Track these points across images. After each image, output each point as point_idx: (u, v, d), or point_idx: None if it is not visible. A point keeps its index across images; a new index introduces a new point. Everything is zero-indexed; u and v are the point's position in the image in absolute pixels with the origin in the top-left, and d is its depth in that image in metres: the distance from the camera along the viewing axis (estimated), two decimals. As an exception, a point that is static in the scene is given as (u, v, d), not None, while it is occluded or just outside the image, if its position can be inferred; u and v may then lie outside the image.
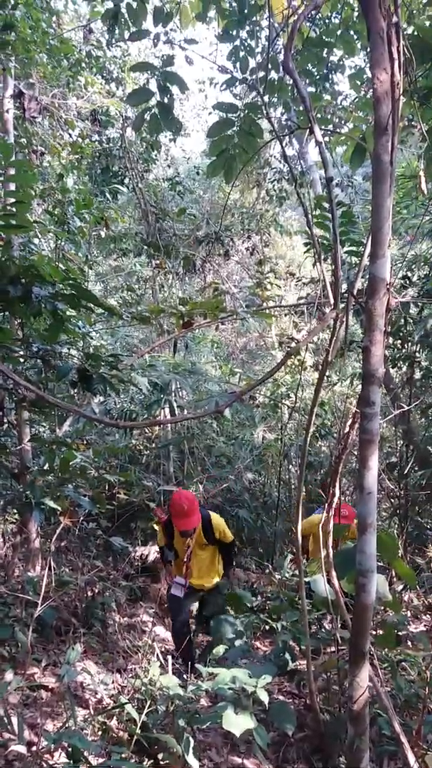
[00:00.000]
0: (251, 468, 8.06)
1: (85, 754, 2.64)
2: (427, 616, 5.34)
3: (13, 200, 3.10)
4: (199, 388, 7.73)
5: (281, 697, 3.90)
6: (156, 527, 6.54)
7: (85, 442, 6.70)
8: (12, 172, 4.26)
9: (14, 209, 3.04)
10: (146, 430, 8.17)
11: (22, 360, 3.85)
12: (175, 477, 7.68)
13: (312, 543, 4.63)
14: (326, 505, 2.96)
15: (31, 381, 3.74)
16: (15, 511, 5.50)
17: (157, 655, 4.29)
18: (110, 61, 8.47)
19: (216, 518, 4.40)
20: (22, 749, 2.85)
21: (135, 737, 2.86)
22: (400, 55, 2.16)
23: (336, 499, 2.88)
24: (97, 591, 5.09)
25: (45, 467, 4.25)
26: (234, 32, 3.91)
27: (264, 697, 2.83)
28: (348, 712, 2.13)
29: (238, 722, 2.78)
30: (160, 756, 2.98)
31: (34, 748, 2.88)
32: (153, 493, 7.00)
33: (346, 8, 4.09)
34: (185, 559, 4.33)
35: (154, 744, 3.01)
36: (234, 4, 3.91)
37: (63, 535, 5.78)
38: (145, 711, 3.00)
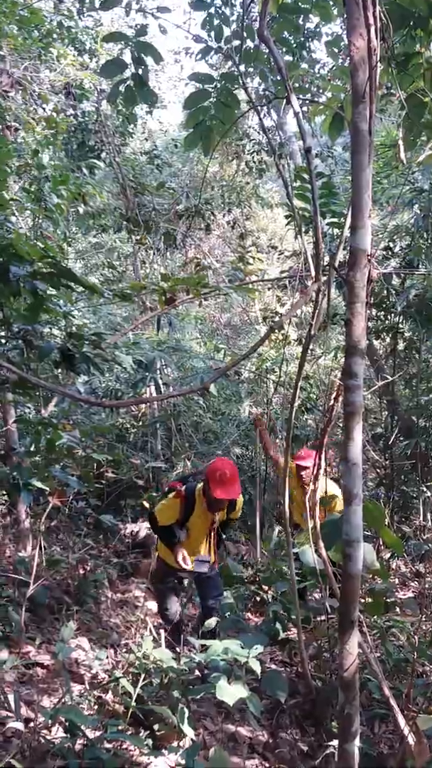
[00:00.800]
0: (238, 443, 8.10)
1: (82, 727, 2.68)
2: (415, 582, 5.45)
3: (-13, 178, 3.04)
4: (184, 365, 7.72)
5: (273, 666, 3.98)
6: (146, 504, 6.57)
7: (71, 422, 6.68)
8: (-15, 149, 4.16)
9: (-11, 188, 2.97)
10: (132, 409, 8.16)
11: (3, 341, 3.81)
12: (162, 454, 7.70)
13: (295, 510, 4.59)
14: (313, 477, 2.98)
15: (13, 362, 3.69)
16: (3, 492, 5.50)
17: (150, 629, 4.35)
18: (82, 32, 8.25)
19: None
20: (19, 725, 2.89)
21: (130, 710, 2.90)
22: (377, 20, 2.12)
23: (317, 469, 2.90)
24: (88, 568, 5.13)
25: (31, 448, 4.23)
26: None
27: (256, 667, 2.88)
28: (339, 679, 2.18)
29: (231, 692, 2.83)
30: (155, 727, 3.03)
31: (31, 724, 2.92)
32: (141, 471, 7.02)
33: (322, -28, 4.00)
34: (208, 535, 4.02)
35: (150, 716, 3.06)
36: (207, -31, 3.81)
37: (53, 515, 5.80)
38: (140, 684, 3.04)
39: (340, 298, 7.33)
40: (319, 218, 2.41)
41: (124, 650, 4.04)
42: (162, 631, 3.67)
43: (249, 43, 3.59)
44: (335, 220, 4.87)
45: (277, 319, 8.10)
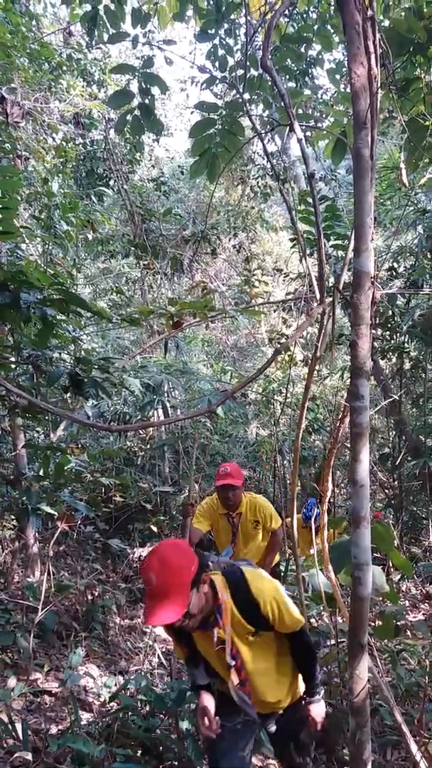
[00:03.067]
0: (246, 465, 8.08)
1: (90, 757, 2.65)
2: (425, 605, 5.37)
3: (-2, 207, 3.09)
4: (192, 388, 7.74)
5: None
6: (154, 528, 6.55)
7: (79, 445, 6.70)
8: (-4, 178, 4.24)
9: (0, 215, 3.03)
10: (140, 432, 8.17)
11: (13, 366, 3.85)
12: (170, 478, 7.69)
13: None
14: (319, 498, 2.97)
15: (22, 387, 3.73)
16: (12, 517, 5.50)
17: (159, 655, 4.30)
18: (91, 64, 8.46)
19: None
20: (27, 755, 2.86)
21: (139, 739, 2.87)
22: (377, 48, 2.18)
23: (329, 493, 2.90)
24: (96, 594, 5.10)
25: (40, 473, 4.25)
26: (212, 31, 3.91)
27: None
28: (349, 704, 2.15)
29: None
30: (164, 757, 2.99)
31: (40, 754, 2.89)
32: (149, 495, 7.01)
33: (322, 3, 4.11)
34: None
35: (158, 745, 3.02)
36: (211, 3, 3.91)
37: (61, 540, 5.79)
38: (148, 712, 3.01)
39: (345, 319, 7.36)
40: (323, 241, 2.44)
41: (133, 677, 4.00)
42: (171, 658, 3.63)
43: (253, 72, 3.67)
44: (339, 242, 4.93)
45: (283, 340, 8.12)
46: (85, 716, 3.38)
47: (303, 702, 2.39)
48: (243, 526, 4.21)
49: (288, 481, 7.70)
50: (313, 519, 5.04)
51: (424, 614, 5.14)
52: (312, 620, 4.21)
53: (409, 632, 3.89)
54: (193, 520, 4.16)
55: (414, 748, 2.30)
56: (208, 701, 2.32)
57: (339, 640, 3.39)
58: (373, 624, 3.24)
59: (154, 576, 1.99)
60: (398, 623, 3.28)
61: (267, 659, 2.28)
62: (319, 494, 3.03)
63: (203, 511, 4.33)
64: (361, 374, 2.07)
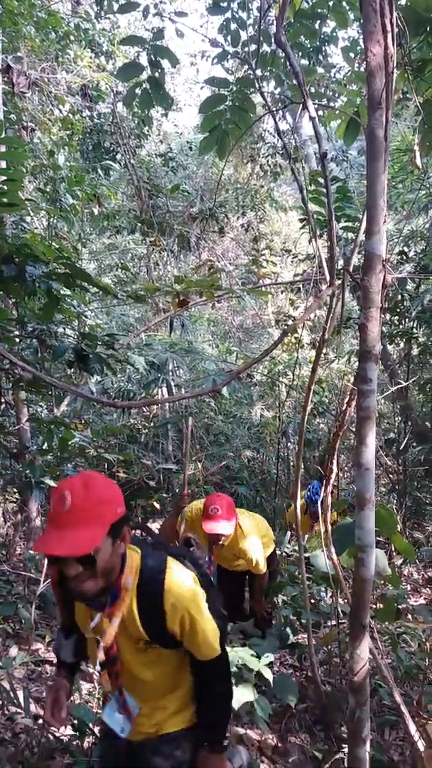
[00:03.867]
0: (249, 446, 8.09)
1: (91, 725, 2.69)
2: (427, 589, 5.41)
3: (4, 178, 3.06)
4: (196, 367, 7.73)
5: (283, 670, 3.97)
6: (156, 504, 6.58)
7: (83, 421, 6.72)
8: (2, 149, 4.20)
9: (5, 187, 3.00)
10: (144, 409, 8.18)
11: (17, 340, 3.84)
12: (173, 455, 7.72)
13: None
14: (324, 480, 2.98)
15: (27, 361, 3.73)
16: (15, 490, 5.53)
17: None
18: (99, 34, 8.31)
19: None
20: (29, 722, 2.91)
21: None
22: (393, 27, 2.12)
23: (333, 475, 2.90)
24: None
25: (44, 447, 4.26)
26: (225, 4, 3.83)
27: (268, 675, 2.90)
28: (349, 683, 2.17)
29: (238, 695, 2.84)
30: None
31: (40, 721, 2.94)
32: (152, 472, 7.04)
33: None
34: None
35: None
36: (225, -27, 3.82)
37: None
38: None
39: (353, 303, 7.31)
40: (334, 222, 2.41)
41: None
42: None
43: (265, 48, 3.60)
44: (349, 224, 4.87)
45: (290, 322, 8.09)
46: (86, 686, 3.42)
47: (198, 747, 1.88)
48: (221, 556, 3.78)
49: (292, 463, 7.73)
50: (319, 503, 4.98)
51: (425, 599, 5.18)
52: (313, 600, 4.25)
53: (410, 616, 3.93)
54: (182, 525, 3.64)
55: (412, 728, 2.33)
56: (64, 685, 1.84)
57: (340, 621, 3.42)
58: (374, 606, 3.27)
59: (70, 496, 1.50)
60: (399, 606, 3.30)
61: (157, 672, 1.77)
62: (324, 477, 3.03)
63: (188, 523, 3.70)
64: (370, 357, 2.06)
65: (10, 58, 6.17)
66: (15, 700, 3.03)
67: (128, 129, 8.92)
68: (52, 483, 4.21)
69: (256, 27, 3.56)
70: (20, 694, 3.03)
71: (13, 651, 3.60)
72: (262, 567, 3.84)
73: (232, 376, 2.51)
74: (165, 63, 3.47)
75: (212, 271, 6.93)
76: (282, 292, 9.76)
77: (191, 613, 1.69)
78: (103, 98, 8.46)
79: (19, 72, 6.29)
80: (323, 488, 3.07)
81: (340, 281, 2.69)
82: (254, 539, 3.80)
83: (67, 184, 5.93)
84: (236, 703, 2.67)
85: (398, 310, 6.48)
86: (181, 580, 1.72)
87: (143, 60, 3.43)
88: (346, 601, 3.24)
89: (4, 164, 4.65)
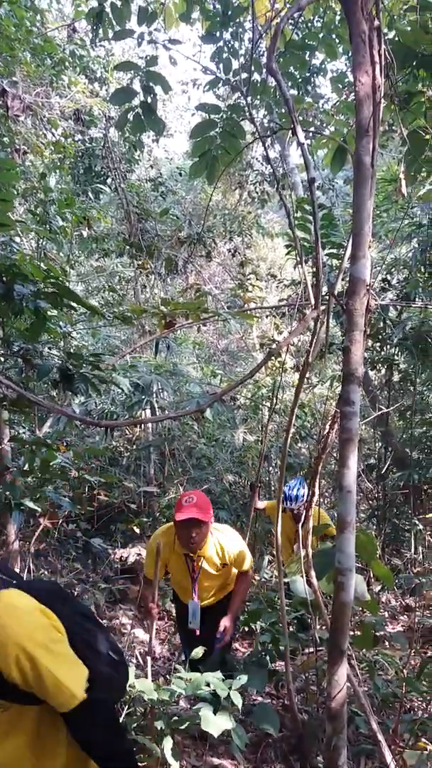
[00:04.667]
0: (231, 470, 8.07)
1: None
2: (404, 616, 5.39)
3: (-6, 198, 3.07)
4: (181, 390, 7.73)
5: (260, 699, 3.90)
6: (136, 529, 6.51)
7: (65, 443, 6.66)
8: (-7, 170, 4.22)
9: (-5, 207, 3.01)
10: (127, 432, 8.14)
11: (2, 359, 3.82)
12: (155, 479, 7.66)
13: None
14: (306, 505, 2.97)
15: (11, 380, 3.70)
16: (-7, 512, 5.45)
17: (137, 656, 4.27)
18: (94, 61, 8.46)
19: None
20: None
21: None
22: (382, 58, 2.19)
23: (315, 498, 2.90)
24: (76, 593, 5.07)
25: (25, 468, 4.21)
26: (217, 33, 3.93)
27: (237, 700, 2.80)
28: (326, 710, 2.14)
29: (216, 723, 2.78)
30: (139, 758, 2.96)
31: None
32: (133, 495, 6.97)
33: (328, 12, 4.13)
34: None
35: (133, 745, 3.00)
36: (217, 5, 3.92)
37: (42, 538, 5.74)
38: (124, 713, 2.99)
39: (336, 328, 7.39)
40: (320, 246, 2.45)
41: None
42: (149, 659, 3.61)
43: (256, 76, 3.69)
44: (334, 251, 4.96)
45: (274, 346, 8.14)
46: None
47: None
48: (204, 572, 3.44)
49: (273, 488, 7.71)
50: (295, 502, 4.63)
51: (402, 626, 5.15)
52: (291, 627, 4.20)
53: (387, 643, 3.90)
54: (145, 567, 3.50)
55: (389, 756, 2.30)
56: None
57: (318, 648, 3.38)
58: (352, 633, 3.24)
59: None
60: (377, 633, 3.28)
61: (15, 742, 1.47)
62: (309, 477, 3.03)
63: (153, 549, 3.33)
64: (353, 380, 2.08)
65: (6, 82, 6.25)
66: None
67: (119, 154, 9.03)
68: (32, 505, 4.15)
69: (248, 56, 3.65)
70: None
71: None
72: (248, 560, 3.56)
73: (216, 397, 2.52)
74: (158, 89, 3.54)
75: (199, 294, 6.99)
76: (267, 317, 9.84)
77: (28, 651, 1.37)
78: (96, 123, 8.57)
79: (14, 96, 6.37)
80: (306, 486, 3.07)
81: (324, 306, 2.72)
82: (231, 532, 3.58)
83: (58, 206, 5.97)
84: (215, 731, 2.61)
85: (380, 336, 6.56)
86: (12, 609, 1.41)
87: (136, 86, 3.49)
88: (324, 627, 3.21)
89: (-6, 184, 4.67)
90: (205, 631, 3.49)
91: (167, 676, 3.73)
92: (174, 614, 3.90)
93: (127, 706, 3.04)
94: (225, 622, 3.47)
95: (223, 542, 3.41)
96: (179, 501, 3.26)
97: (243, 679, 2.77)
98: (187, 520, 3.14)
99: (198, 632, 3.47)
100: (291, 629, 3.75)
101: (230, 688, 2.72)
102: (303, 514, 4.79)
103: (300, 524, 4.95)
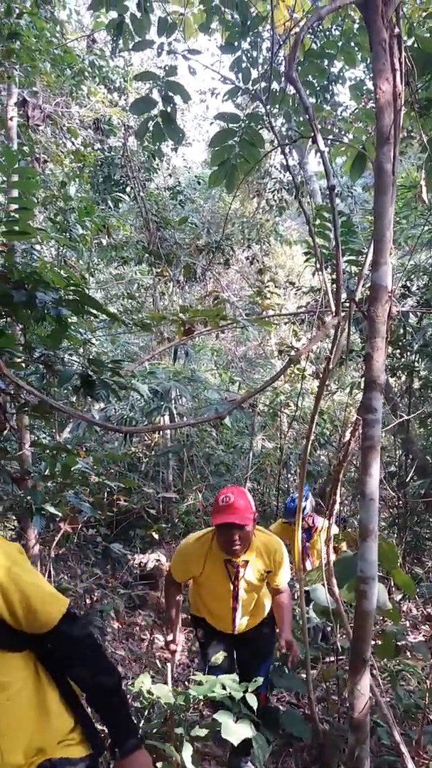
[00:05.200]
0: (250, 477, 8.05)
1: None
2: (426, 626, 5.33)
3: (16, 207, 3.12)
4: (199, 396, 7.74)
5: (280, 707, 3.88)
6: (155, 535, 6.52)
7: (84, 448, 6.71)
8: (15, 179, 4.29)
9: (17, 216, 3.05)
10: (145, 438, 8.17)
11: (24, 365, 3.86)
12: (174, 485, 7.68)
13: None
14: (328, 513, 2.96)
15: (33, 386, 3.73)
16: (14, 517, 5.49)
17: (156, 662, 4.27)
18: (113, 71, 8.54)
19: None
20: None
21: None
22: (402, 65, 2.19)
23: (336, 507, 2.88)
24: (95, 598, 5.08)
25: (46, 472, 4.25)
26: (236, 43, 3.95)
27: (253, 702, 2.75)
28: (348, 720, 2.13)
29: (236, 731, 2.77)
30: (158, 765, 2.96)
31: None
32: (152, 501, 6.99)
33: (347, 21, 4.14)
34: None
35: (153, 752, 2.99)
36: (236, 16, 3.95)
37: (62, 542, 5.78)
38: (143, 719, 2.99)
39: (355, 335, 7.36)
40: (340, 253, 2.44)
41: (129, 684, 3.96)
42: (168, 665, 3.61)
43: (275, 86, 3.70)
44: (353, 258, 4.94)
45: (293, 353, 8.12)
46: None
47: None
48: (246, 581, 3.04)
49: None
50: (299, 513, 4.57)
51: (424, 635, 5.09)
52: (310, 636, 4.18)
53: (408, 653, 3.85)
54: (173, 567, 3.19)
55: (412, 768, 2.28)
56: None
57: (339, 657, 3.36)
58: (373, 642, 3.22)
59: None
60: (399, 643, 3.25)
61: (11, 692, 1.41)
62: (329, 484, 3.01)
63: (186, 554, 3.13)
64: (375, 387, 2.07)
65: (26, 92, 6.34)
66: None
67: (138, 163, 9.10)
68: (52, 510, 4.18)
69: (267, 65, 3.66)
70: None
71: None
72: (287, 574, 3.23)
73: (236, 404, 2.52)
74: (177, 98, 3.57)
75: (217, 301, 7.00)
76: (285, 324, 9.83)
77: (12, 571, 1.38)
78: (115, 132, 8.65)
79: (35, 105, 6.45)
80: (326, 519, 3.04)
81: (345, 312, 2.72)
82: (275, 537, 3.24)
83: (78, 214, 6.04)
84: (235, 740, 2.60)
85: (400, 343, 6.52)
86: None
87: (155, 95, 3.53)
88: (345, 636, 3.18)
89: (16, 193, 4.75)
90: (241, 662, 3.21)
91: (186, 683, 3.72)
92: (197, 636, 3.40)
93: (146, 712, 3.05)
94: (286, 637, 3.11)
95: (271, 544, 3.09)
96: (216, 501, 2.95)
97: (259, 681, 2.70)
98: (225, 525, 2.83)
99: (236, 631, 3.15)
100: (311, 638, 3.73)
101: (246, 691, 2.64)
102: (313, 527, 4.76)
103: (309, 539, 4.92)
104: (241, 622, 3.14)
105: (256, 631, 3.24)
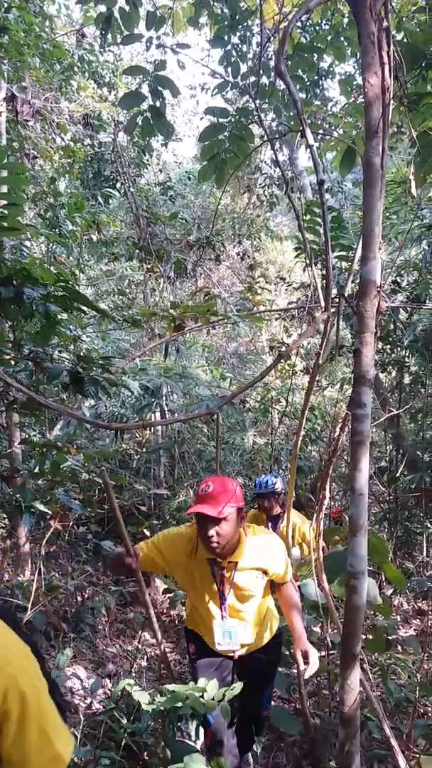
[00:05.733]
0: (242, 473, 8.06)
1: (74, 759, 2.62)
2: (417, 620, 5.35)
3: (5, 203, 3.10)
4: (190, 393, 7.73)
5: (273, 702, 3.89)
6: (146, 532, 6.51)
7: (75, 446, 6.69)
8: (4, 174, 4.26)
9: (6, 212, 3.03)
10: (136, 435, 8.15)
11: (13, 362, 3.84)
12: (165, 482, 7.67)
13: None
14: (317, 507, 2.96)
15: (22, 383, 3.72)
16: (4, 515, 5.47)
17: (147, 659, 4.27)
18: (102, 66, 8.49)
19: None
20: None
21: (123, 742, 2.84)
22: (391, 59, 2.18)
23: (326, 502, 2.88)
24: (86, 596, 5.07)
25: (35, 470, 4.23)
26: (225, 37, 3.94)
27: (226, 713, 2.44)
28: (339, 714, 2.13)
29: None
30: (149, 760, 2.96)
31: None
32: (143, 498, 6.98)
33: (336, 15, 4.13)
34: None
35: (143, 749, 3.00)
36: (225, 9, 3.93)
37: (53, 540, 5.76)
38: (134, 716, 2.99)
39: (345, 330, 7.37)
40: (330, 248, 2.44)
41: (121, 680, 3.96)
42: (161, 664, 3.60)
43: (264, 80, 3.69)
44: (343, 253, 4.95)
45: (284, 348, 8.12)
46: (71, 718, 3.34)
47: None
48: (236, 585, 2.62)
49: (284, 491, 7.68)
50: (266, 487, 4.35)
51: (414, 630, 5.12)
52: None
53: (399, 647, 3.87)
54: (141, 546, 2.73)
55: (402, 762, 2.28)
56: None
57: (329, 652, 3.37)
58: (364, 637, 3.23)
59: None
60: (389, 637, 3.26)
61: None
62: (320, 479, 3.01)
63: (167, 541, 2.74)
64: (364, 382, 2.07)
65: (15, 87, 6.29)
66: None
67: (128, 158, 9.06)
68: (42, 508, 4.17)
69: (256, 59, 3.65)
70: None
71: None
72: (290, 568, 2.79)
73: (226, 399, 2.52)
74: (166, 93, 3.55)
75: (208, 297, 6.98)
76: (276, 320, 9.83)
77: (20, 687, 1.05)
78: (105, 128, 8.61)
79: (24, 101, 6.41)
80: (319, 499, 3.02)
81: (334, 308, 2.71)
82: (272, 536, 2.84)
83: (67, 210, 6.01)
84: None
85: (390, 338, 6.54)
86: (5, 638, 1.10)
87: (145, 90, 3.51)
88: (335, 631, 3.19)
89: (5, 189, 4.70)
90: (245, 692, 2.54)
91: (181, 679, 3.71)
92: (188, 651, 2.99)
93: (136, 709, 3.05)
94: (302, 647, 2.61)
95: (265, 547, 2.68)
96: (199, 490, 2.58)
97: (238, 687, 2.38)
98: (199, 515, 2.47)
99: (236, 655, 2.74)
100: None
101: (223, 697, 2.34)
102: (273, 507, 4.69)
103: (275, 529, 4.87)
104: (234, 641, 2.67)
105: (260, 655, 2.82)
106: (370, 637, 3.14)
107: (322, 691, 3.66)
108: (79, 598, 4.97)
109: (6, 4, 5.01)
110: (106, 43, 4.37)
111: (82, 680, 3.90)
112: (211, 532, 2.43)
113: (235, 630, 2.66)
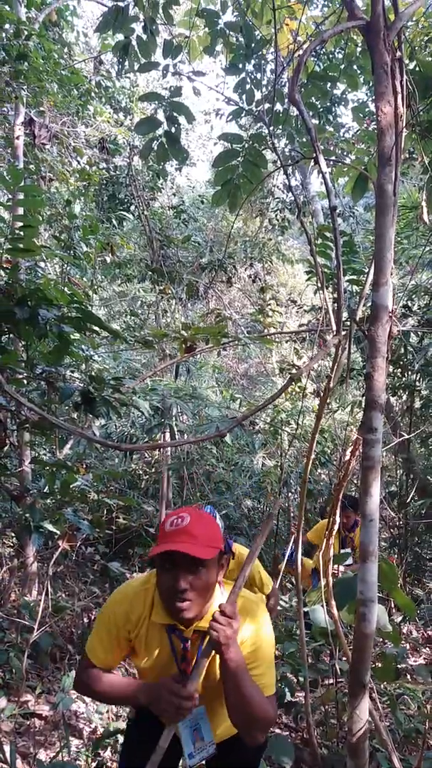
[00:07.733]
0: (250, 495, 8.01)
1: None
2: (427, 648, 5.26)
3: (21, 224, 3.15)
4: (200, 413, 7.73)
5: (278, 731, 3.82)
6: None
7: (84, 466, 6.70)
8: (21, 197, 4.34)
9: (22, 233, 3.08)
10: (146, 455, 8.15)
11: (25, 382, 3.86)
12: (173, 503, 7.64)
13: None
14: (327, 532, 2.93)
15: (34, 403, 3.74)
16: (12, 534, 5.46)
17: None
18: (119, 92, 8.67)
19: None
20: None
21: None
22: (404, 88, 2.22)
23: (336, 527, 2.86)
24: (93, 617, 5.03)
25: (45, 490, 4.23)
26: (241, 65, 4.00)
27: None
28: (347, 744, 2.09)
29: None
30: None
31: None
32: (152, 519, 6.96)
33: (349, 44, 4.20)
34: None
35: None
36: (241, 38, 4.01)
37: (60, 560, 5.73)
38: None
39: (356, 354, 7.37)
40: (341, 272, 2.46)
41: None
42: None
43: (278, 107, 3.74)
44: (354, 277, 4.96)
45: (294, 371, 8.12)
46: (75, 742, 3.30)
47: None
48: (207, 670, 1.82)
49: (293, 514, 7.63)
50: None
51: (425, 658, 5.03)
52: (309, 659, 4.12)
53: (409, 676, 3.80)
54: (88, 646, 1.95)
55: (412, 796, 2.23)
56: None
57: (338, 680, 3.31)
58: (373, 665, 3.18)
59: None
60: (399, 666, 3.21)
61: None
62: (329, 503, 2.98)
63: (109, 623, 1.89)
64: (375, 407, 2.06)
65: (33, 112, 6.43)
66: (1, 755, 2.92)
67: (143, 182, 9.19)
68: (51, 527, 4.16)
69: (270, 87, 3.71)
70: (7, 748, 2.93)
71: (2, 702, 3.49)
72: (269, 582, 2.83)
73: (237, 421, 2.52)
74: (181, 119, 3.61)
75: (219, 319, 7.02)
76: (287, 342, 9.85)
77: None
78: (120, 152, 8.76)
79: (41, 125, 6.54)
80: (328, 524, 3.01)
81: (345, 331, 2.72)
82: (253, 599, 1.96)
83: (82, 232, 6.08)
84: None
85: (401, 362, 6.53)
86: None
87: (160, 116, 3.57)
88: (345, 659, 3.14)
89: (21, 211, 4.80)
90: None
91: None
92: (128, 716, 2.28)
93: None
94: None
95: (245, 611, 1.83)
96: (161, 525, 1.80)
97: None
98: (168, 555, 1.69)
99: None
100: (310, 660, 3.68)
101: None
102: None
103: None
104: (207, 742, 1.85)
105: (233, 743, 1.97)
106: (379, 665, 3.09)
107: (330, 720, 3.59)
108: (85, 620, 4.93)
109: (26, 32, 5.14)
110: (123, 70, 4.46)
111: (86, 704, 3.85)
112: (184, 584, 1.66)
113: (205, 721, 1.85)
